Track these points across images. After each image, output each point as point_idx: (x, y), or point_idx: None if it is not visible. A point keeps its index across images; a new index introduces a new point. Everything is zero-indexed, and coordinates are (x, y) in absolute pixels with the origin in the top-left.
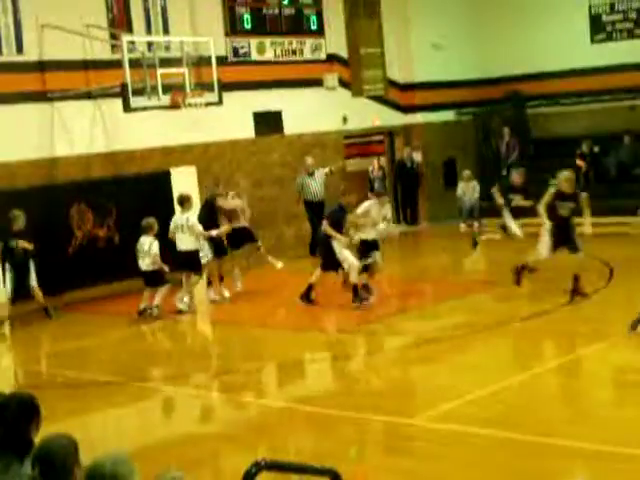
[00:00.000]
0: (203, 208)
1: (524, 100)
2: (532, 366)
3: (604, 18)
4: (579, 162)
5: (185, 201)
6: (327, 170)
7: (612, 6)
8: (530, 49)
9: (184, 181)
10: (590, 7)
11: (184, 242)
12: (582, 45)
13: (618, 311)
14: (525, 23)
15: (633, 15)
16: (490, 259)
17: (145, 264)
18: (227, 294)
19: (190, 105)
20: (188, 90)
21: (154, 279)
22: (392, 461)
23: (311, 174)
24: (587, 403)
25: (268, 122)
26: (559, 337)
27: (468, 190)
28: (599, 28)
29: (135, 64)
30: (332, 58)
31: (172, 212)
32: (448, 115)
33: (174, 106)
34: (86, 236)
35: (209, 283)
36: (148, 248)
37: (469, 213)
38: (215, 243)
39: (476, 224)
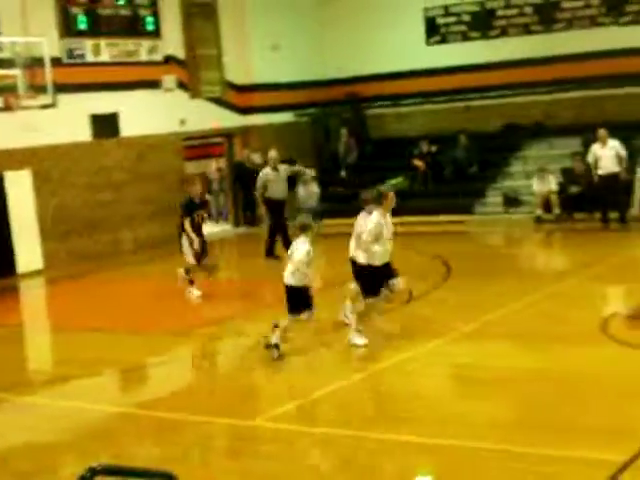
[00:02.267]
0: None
1: (362, 101)
2: (370, 365)
3: (438, 21)
4: (417, 162)
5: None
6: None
7: (446, 9)
8: (368, 51)
9: (19, 185)
10: (425, 10)
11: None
12: (418, 47)
13: (454, 308)
14: (362, 26)
15: (467, 18)
16: (329, 258)
17: (288, 275)
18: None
19: (24, 107)
20: (21, 92)
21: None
22: (233, 463)
23: (275, 169)
24: (425, 399)
25: (105, 124)
26: (395, 336)
27: (309, 192)
28: (434, 31)
29: None
30: (169, 60)
31: (6, 217)
32: (287, 116)
33: (7, 108)
34: None
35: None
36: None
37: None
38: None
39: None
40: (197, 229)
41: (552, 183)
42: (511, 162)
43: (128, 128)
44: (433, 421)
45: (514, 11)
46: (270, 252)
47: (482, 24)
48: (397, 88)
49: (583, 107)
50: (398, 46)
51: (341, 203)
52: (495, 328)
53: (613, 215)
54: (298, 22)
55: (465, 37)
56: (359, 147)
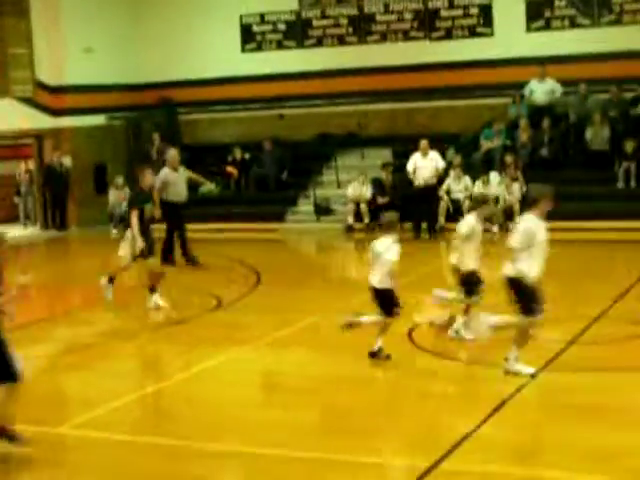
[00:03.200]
0: None
1: (175, 106)
2: (176, 372)
3: (254, 28)
4: (230, 169)
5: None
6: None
7: (262, 17)
8: (183, 56)
9: None
10: (241, 17)
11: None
12: (234, 54)
13: (261, 316)
14: (178, 30)
15: (283, 27)
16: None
17: (375, 278)
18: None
19: None
20: None
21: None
22: (35, 473)
23: (174, 170)
24: (231, 407)
25: None
26: (202, 343)
27: (120, 197)
28: (250, 38)
29: None
30: None
31: None
32: (99, 119)
33: None
34: None
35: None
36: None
37: (120, 219)
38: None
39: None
40: (146, 226)
41: (367, 190)
42: (323, 171)
43: None
44: (236, 429)
45: (329, 22)
46: (166, 257)
47: (298, 33)
48: (212, 94)
49: (394, 119)
50: (214, 52)
51: None
52: (302, 336)
53: (422, 225)
54: (113, 24)
55: (281, 45)
56: None
